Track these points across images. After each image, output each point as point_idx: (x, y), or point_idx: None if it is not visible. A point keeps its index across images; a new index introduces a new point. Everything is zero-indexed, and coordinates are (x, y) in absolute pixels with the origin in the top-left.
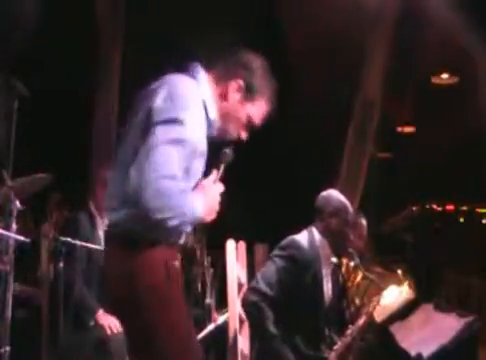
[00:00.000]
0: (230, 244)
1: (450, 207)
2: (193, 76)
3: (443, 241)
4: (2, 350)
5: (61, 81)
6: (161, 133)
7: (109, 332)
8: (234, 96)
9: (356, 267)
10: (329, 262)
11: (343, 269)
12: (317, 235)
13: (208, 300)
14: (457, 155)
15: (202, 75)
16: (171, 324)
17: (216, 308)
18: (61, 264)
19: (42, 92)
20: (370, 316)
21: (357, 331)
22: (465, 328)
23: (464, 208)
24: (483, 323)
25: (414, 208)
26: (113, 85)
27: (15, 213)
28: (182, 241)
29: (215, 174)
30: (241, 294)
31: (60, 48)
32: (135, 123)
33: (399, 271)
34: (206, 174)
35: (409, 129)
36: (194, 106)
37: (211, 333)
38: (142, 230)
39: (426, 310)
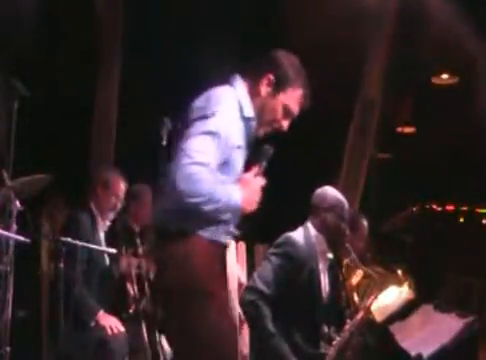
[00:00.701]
0: (230, 244)
1: (450, 207)
2: (231, 84)
3: (443, 241)
4: (2, 350)
5: (61, 81)
6: (196, 127)
7: (110, 332)
8: (266, 90)
9: (353, 262)
10: (325, 258)
11: (343, 270)
12: (313, 231)
13: None
14: (457, 155)
15: (238, 80)
16: (208, 320)
17: None
18: (61, 264)
19: (42, 92)
20: (368, 310)
21: (355, 326)
22: (465, 328)
23: (464, 208)
24: (483, 323)
25: (414, 208)
26: (113, 85)
27: (15, 213)
28: (228, 235)
29: (256, 169)
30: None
31: (60, 48)
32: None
33: (399, 271)
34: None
35: (409, 129)
36: (227, 103)
37: None
38: (183, 221)
39: (426, 310)
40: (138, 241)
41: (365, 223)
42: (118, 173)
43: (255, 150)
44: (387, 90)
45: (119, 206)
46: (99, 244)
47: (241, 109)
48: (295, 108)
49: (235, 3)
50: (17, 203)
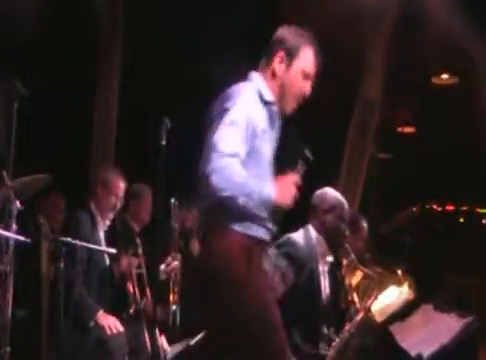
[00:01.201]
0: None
1: (450, 207)
2: (247, 79)
3: (443, 241)
4: (2, 350)
5: (61, 81)
6: (219, 121)
7: (109, 332)
8: (281, 67)
9: (352, 263)
10: (326, 259)
11: (343, 271)
12: (313, 232)
13: None
14: (457, 155)
15: (253, 73)
16: (247, 312)
17: None
18: (61, 264)
19: (42, 92)
20: (368, 311)
21: (355, 327)
22: (465, 328)
23: (464, 208)
24: (483, 323)
25: (414, 208)
26: (113, 85)
27: (15, 213)
28: (266, 231)
29: (294, 172)
30: None
31: (60, 48)
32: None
33: (399, 271)
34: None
35: (409, 129)
36: (245, 93)
37: None
38: (218, 215)
39: (426, 310)
40: (138, 241)
41: (365, 224)
42: (118, 173)
43: (292, 155)
44: (387, 90)
45: (119, 206)
46: (99, 244)
47: (261, 95)
48: (312, 68)
49: (236, 3)
50: (17, 203)
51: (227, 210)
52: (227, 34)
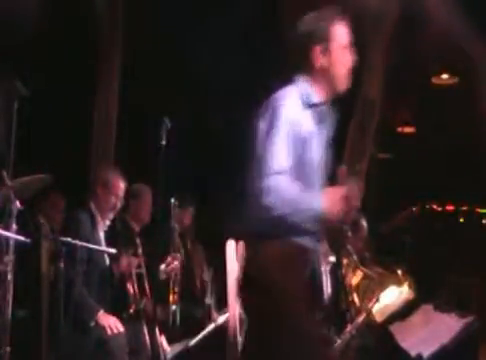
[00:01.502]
0: (230, 244)
1: (450, 207)
2: (291, 83)
3: (443, 241)
4: (2, 350)
5: (61, 81)
6: (265, 133)
7: (109, 332)
8: (323, 59)
9: (352, 263)
10: (328, 259)
11: (343, 270)
12: None
13: (208, 300)
14: (457, 155)
15: (297, 78)
16: (290, 324)
17: (216, 308)
18: (61, 264)
19: (42, 92)
20: (369, 313)
21: (356, 328)
22: (465, 328)
23: (464, 208)
24: (483, 323)
25: (414, 208)
26: (113, 85)
27: (15, 213)
28: (316, 241)
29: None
30: None
31: (60, 48)
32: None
33: (399, 271)
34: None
35: (409, 129)
36: (288, 99)
37: (211, 333)
38: (269, 229)
39: (426, 310)
40: (138, 241)
41: (365, 224)
42: (118, 173)
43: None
44: (387, 90)
45: (119, 206)
46: (99, 244)
47: (306, 99)
48: (347, 38)
49: (236, 3)
50: (17, 203)
51: (279, 226)
52: (227, 34)
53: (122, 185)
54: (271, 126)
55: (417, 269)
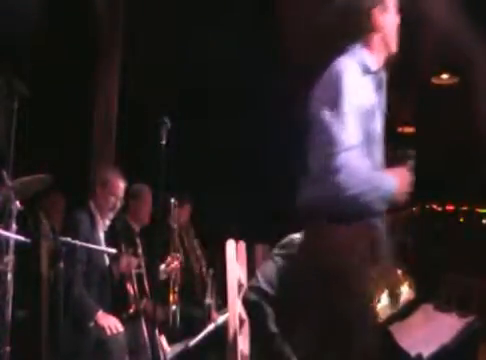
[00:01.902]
0: (230, 244)
1: (450, 207)
2: (347, 53)
3: (443, 241)
4: (2, 350)
5: (61, 81)
6: (327, 111)
7: (109, 333)
8: (381, 22)
9: None
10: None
11: None
12: None
13: (208, 300)
14: (457, 155)
15: (351, 46)
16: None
17: (216, 308)
18: (61, 264)
19: (42, 92)
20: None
21: None
22: (465, 328)
23: (464, 208)
24: (483, 323)
25: (414, 208)
26: (113, 85)
27: (15, 213)
28: (382, 223)
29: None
30: (241, 294)
31: (60, 48)
32: (314, 108)
33: (399, 271)
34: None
35: (409, 129)
36: (349, 72)
37: (211, 333)
38: (338, 209)
39: (426, 310)
40: (138, 241)
41: None
42: (118, 173)
43: (397, 154)
44: (387, 90)
45: (119, 206)
46: (99, 244)
47: (365, 67)
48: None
49: (236, 3)
50: (17, 203)
51: (349, 206)
52: (227, 34)
53: (122, 185)
54: (335, 97)
55: (417, 269)
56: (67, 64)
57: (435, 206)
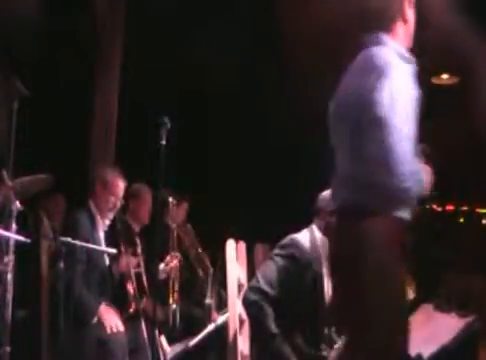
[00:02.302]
0: (230, 244)
1: (450, 207)
2: (381, 43)
3: (443, 241)
4: (2, 350)
5: (61, 81)
6: (377, 100)
7: (109, 331)
8: (409, 14)
9: None
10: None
11: None
12: (318, 234)
13: (208, 300)
14: (457, 155)
15: (382, 37)
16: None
17: (216, 308)
18: (61, 264)
19: (42, 92)
20: None
21: None
22: (465, 328)
23: (464, 208)
24: (484, 323)
25: (414, 208)
26: (113, 85)
27: (15, 213)
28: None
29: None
30: (241, 294)
31: (60, 48)
32: (349, 101)
33: None
34: None
35: None
36: (392, 61)
37: (211, 333)
38: (381, 200)
39: (426, 310)
40: (138, 240)
41: None
42: (117, 173)
43: None
44: None
45: (119, 206)
46: (99, 244)
47: (402, 56)
48: None
49: (236, 3)
50: (17, 203)
51: (397, 197)
52: (227, 34)
53: (122, 185)
54: (382, 86)
55: (417, 269)
56: (67, 64)
57: (435, 206)
